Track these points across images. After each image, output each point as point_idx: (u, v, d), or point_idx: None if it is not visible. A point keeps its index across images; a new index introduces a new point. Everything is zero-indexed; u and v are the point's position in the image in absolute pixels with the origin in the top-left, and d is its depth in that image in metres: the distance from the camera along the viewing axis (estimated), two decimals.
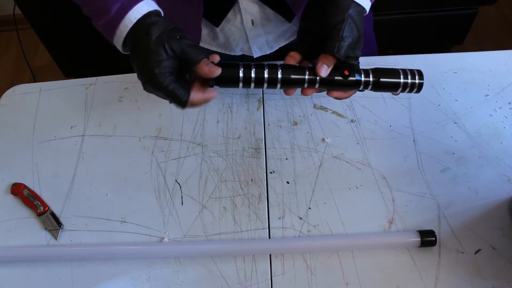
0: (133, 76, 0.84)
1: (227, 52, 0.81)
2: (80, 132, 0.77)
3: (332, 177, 0.68)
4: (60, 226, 0.66)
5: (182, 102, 0.54)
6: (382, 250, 0.61)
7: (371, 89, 0.59)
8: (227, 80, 0.55)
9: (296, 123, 0.75)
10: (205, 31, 0.77)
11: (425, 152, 0.70)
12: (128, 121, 0.78)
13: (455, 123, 0.73)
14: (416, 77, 0.59)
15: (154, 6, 0.55)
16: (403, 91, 0.59)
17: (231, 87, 0.56)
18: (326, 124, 0.74)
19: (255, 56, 0.80)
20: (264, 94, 0.79)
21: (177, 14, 0.69)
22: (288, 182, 0.68)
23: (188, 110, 0.78)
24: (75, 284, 0.61)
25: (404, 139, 0.71)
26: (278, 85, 0.56)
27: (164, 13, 0.58)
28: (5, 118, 0.81)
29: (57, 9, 1.57)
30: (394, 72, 0.59)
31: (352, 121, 0.74)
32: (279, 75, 0.55)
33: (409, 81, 0.58)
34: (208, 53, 0.55)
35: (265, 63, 0.56)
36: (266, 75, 0.55)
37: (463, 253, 0.60)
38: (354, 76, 0.57)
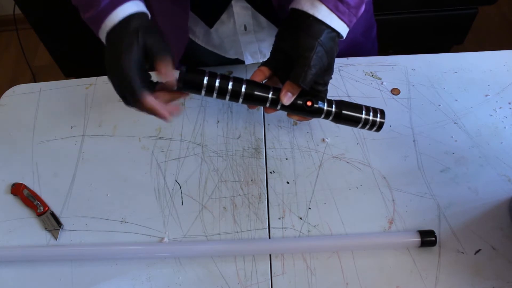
0: None
1: (222, 54, 0.80)
2: (80, 132, 0.77)
3: (332, 177, 0.68)
4: (60, 226, 0.66)
5: (134, 93, 0.52)
6: (382, 250, 0.61)
7: (332, 120, 0.60)
8: (190, 84, 0.55)
9: (296, 123, 0.75)
10: (201, 31, 0.76)
11: (425, 152, 0.70)
12: (128, 121, 0.78)
13: (455, 123, 0.73)
14: (378, 115, 0.59)
15: (142, 8, 0.55)
16: (363, 127, 0.60)
17: (194, 93, 0.57)
18: (326, 124, 0.74)
19: (246, 63, 0.79)
20: None
21: (166, 13, 0.69)
22: (288, 182, 0.68)
23: (188, 110, 0.78)
24: (75, 284, 0.61)
25: (404, 139, 0.71)
26: (241, 99, 0.56)
27: (153, 12, 0.58)
28: (5, 118, 0.81)
29: (57, 9, 1.57)
30: (357, 107, 0.59)
31: None
32: (243, 90, 0.56)
33: (371, 118, 0.59)
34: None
35: (232, 75, 0.56)
36: (230, 87, 0.55)
37: (463, 253, 0.60)
38: (317, 104, 0.57)
